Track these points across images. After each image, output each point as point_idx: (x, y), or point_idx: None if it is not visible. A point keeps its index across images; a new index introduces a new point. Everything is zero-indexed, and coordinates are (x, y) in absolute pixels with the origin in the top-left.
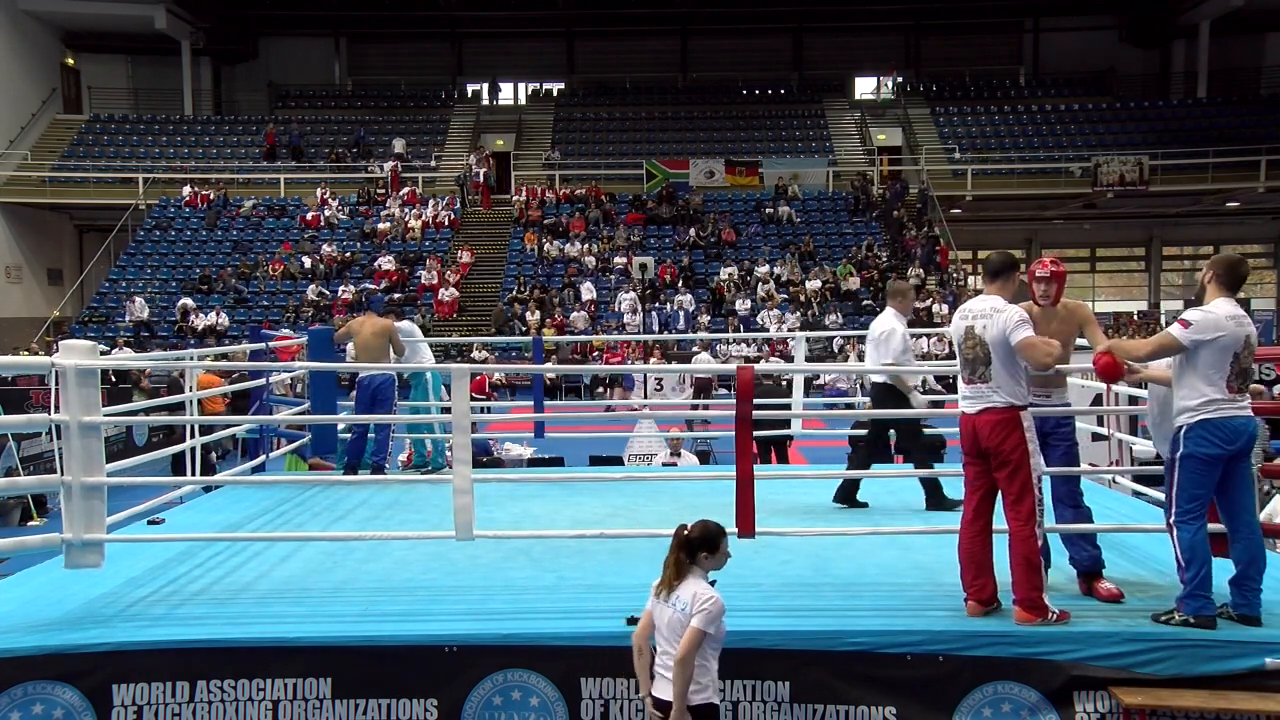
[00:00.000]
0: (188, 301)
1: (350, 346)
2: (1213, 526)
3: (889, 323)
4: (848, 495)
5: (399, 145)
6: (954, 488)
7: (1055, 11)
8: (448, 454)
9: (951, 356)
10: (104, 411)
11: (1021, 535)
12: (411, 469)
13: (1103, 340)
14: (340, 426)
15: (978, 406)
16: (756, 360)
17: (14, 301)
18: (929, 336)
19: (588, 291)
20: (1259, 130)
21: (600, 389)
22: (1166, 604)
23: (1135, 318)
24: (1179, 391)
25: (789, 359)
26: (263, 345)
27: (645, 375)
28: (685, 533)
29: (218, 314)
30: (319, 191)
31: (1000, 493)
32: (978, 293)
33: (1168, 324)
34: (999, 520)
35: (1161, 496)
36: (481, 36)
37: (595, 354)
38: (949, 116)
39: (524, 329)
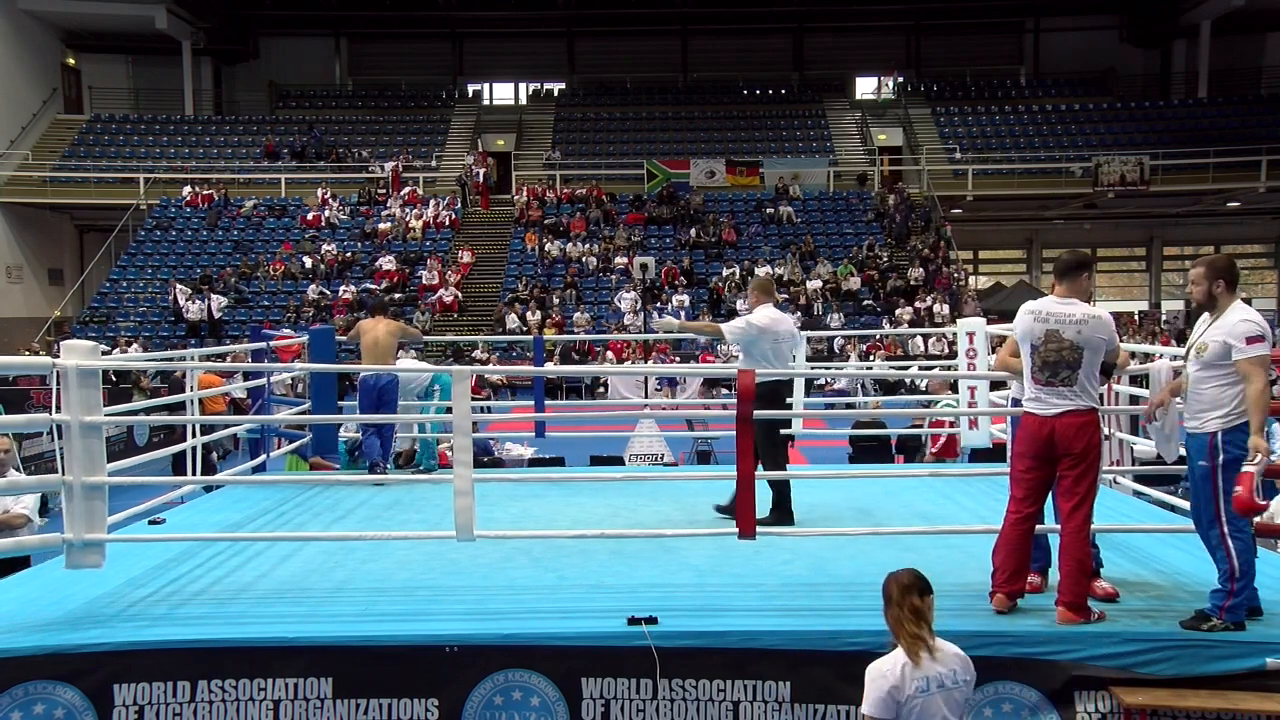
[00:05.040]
0: (182, 292)
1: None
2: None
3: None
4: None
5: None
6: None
7: (1055, 11)
8: (448, 453)
9: (952, 356)
10: (105, 411)
11: (1079, 538)
12: (411, 469)
13: (1117, 348)
14: (343, 430)
15: (1058, 409)
16: None
17: (14, 301)
18: (927, 337)
19: (533, 314)
20: (1259, 130)
21: (601, 389)
22: (1168, 604)
23: (1135, 318)
24: (1219, 397)
25: None
26: (263, 345)
27: (646, 376)
28: (902, 580)
29: (210, 298)
30: (320, 191)
31: (1057, 492)
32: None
33: (1167, 323)
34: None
35: (1163, 496)
36: (481, 36)
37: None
38: (949, 116)
39: (524, 329)
